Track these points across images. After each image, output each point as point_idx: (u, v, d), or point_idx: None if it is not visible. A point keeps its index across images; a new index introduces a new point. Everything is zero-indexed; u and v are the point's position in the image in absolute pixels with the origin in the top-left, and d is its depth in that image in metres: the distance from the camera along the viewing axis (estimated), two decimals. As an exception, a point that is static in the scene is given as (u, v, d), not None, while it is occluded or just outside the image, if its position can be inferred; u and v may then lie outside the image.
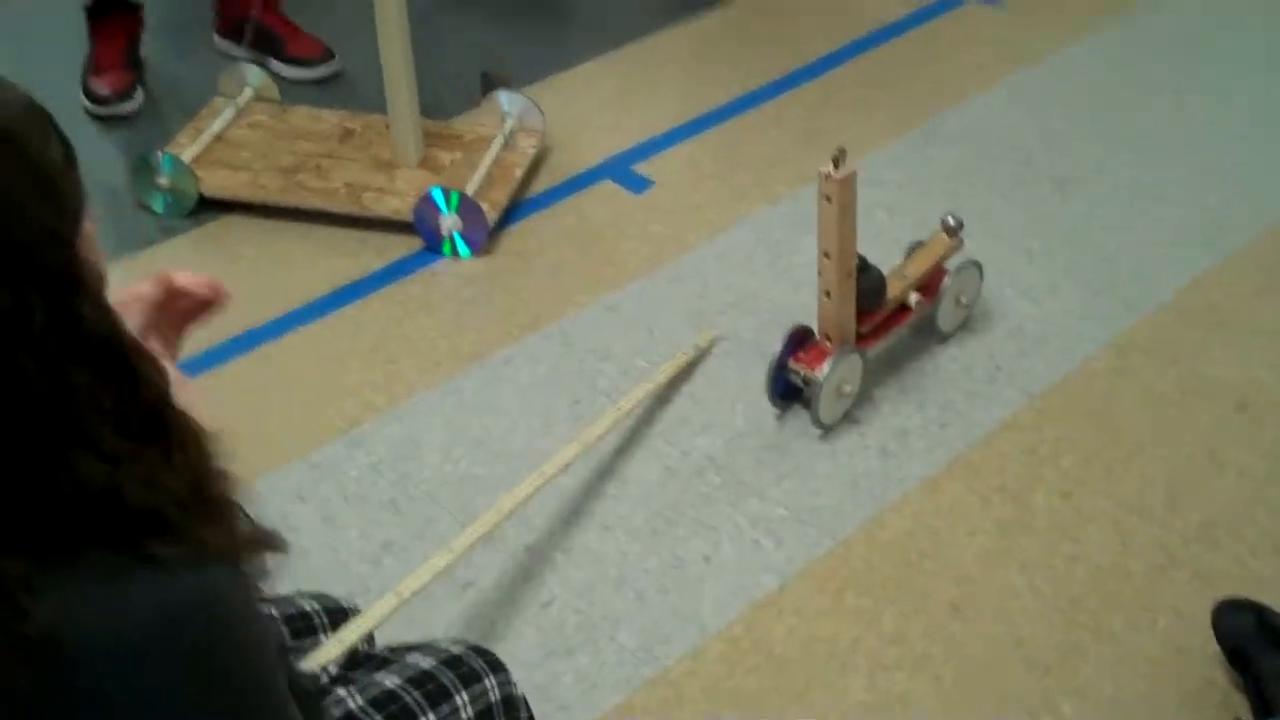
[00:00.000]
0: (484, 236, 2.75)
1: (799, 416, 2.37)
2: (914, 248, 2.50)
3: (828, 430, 2.35)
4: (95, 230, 0.94)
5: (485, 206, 2.75)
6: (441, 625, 2.03)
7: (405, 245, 2.78)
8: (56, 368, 0.89)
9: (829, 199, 2.19)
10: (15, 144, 0.88)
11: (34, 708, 0.89)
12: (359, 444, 2.35)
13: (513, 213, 2.86)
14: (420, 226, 2.75)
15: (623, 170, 3.00)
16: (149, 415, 0.96)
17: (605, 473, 2.29)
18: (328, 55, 3.31)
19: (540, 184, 2.96)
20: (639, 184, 2.96)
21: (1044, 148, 3.03)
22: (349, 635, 1.52)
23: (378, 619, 1.70)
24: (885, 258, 2.43)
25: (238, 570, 0.98)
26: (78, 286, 0.90)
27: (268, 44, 3.29)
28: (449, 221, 2.72)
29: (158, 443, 0.96)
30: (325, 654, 1.48)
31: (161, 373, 0.96)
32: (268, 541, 1.01)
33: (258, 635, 1.01)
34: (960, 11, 3.54)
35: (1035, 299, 2.62)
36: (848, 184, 2.19)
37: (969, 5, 3.55)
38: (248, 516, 1.01)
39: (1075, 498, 2.23)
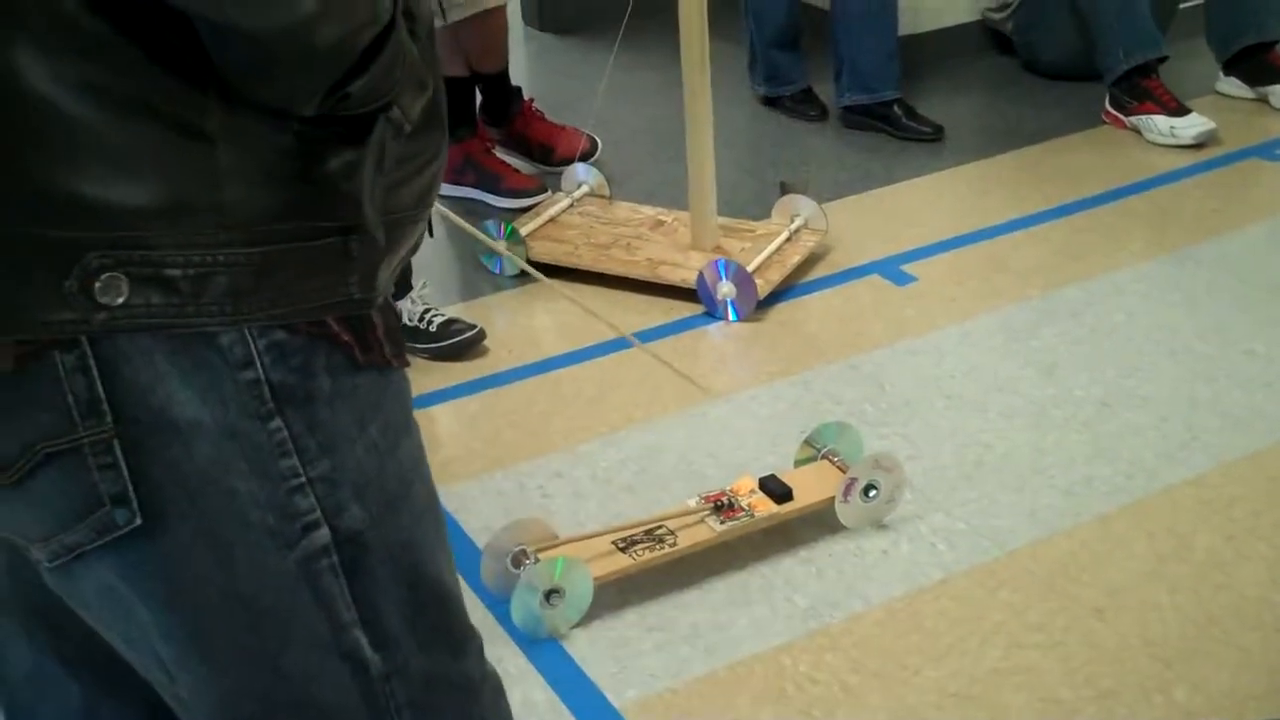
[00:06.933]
0: (752, 305, 3.17)
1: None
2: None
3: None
4: None
5: (759, 281, 3.18)
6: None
7: (689, 310, 3.24)
8: None
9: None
10: None
11: None
12: (614, 444, 2.78)
13: (786, 293, 3.28)
14: (701, 289, 3.20)
15: (891, 268, 3.37)
16: None
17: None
18: (540, 188, 3.77)
19: (816, 273, 3.37)
20: (904, 279, 3.33)
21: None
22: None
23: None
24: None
25: None
26: None
27: (489, 182, 3.81)
28: (725, 288, 3.16)
29: None
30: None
31: None
32: None
33: None
34: (1242, 165, 3.79)
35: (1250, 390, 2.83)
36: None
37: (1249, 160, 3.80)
38: None
39: (1237, 541, 2.43)
